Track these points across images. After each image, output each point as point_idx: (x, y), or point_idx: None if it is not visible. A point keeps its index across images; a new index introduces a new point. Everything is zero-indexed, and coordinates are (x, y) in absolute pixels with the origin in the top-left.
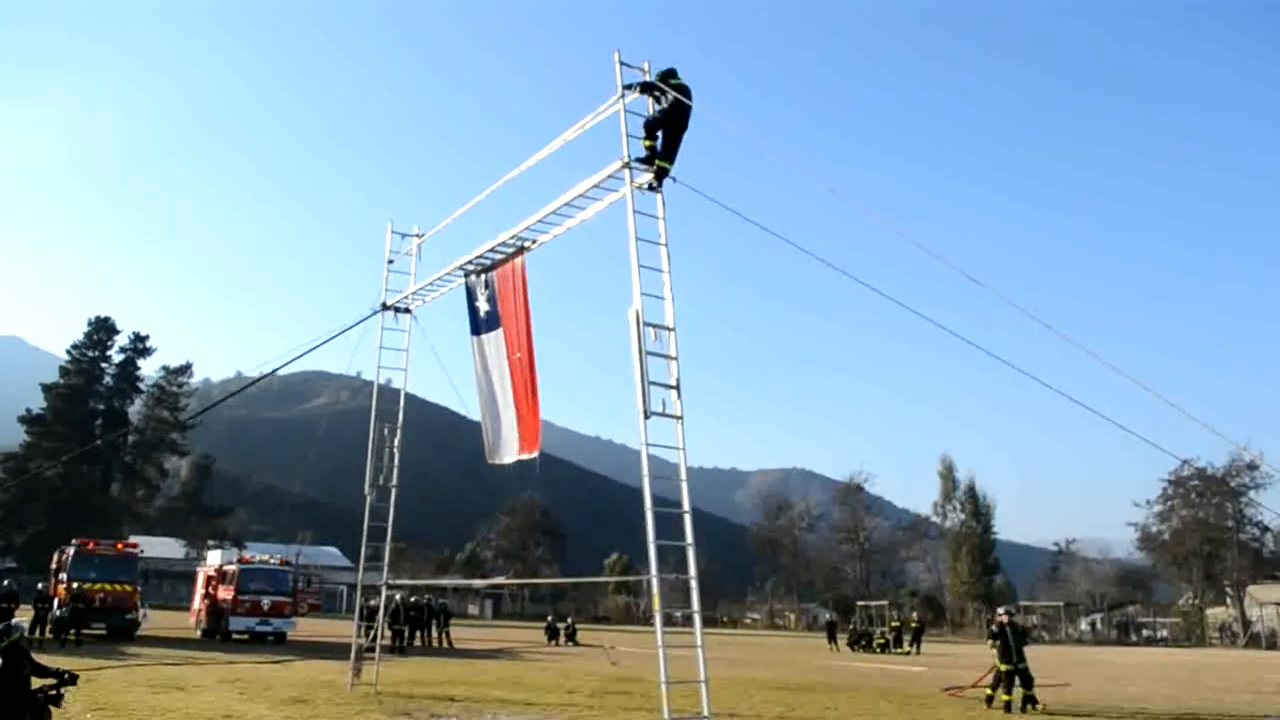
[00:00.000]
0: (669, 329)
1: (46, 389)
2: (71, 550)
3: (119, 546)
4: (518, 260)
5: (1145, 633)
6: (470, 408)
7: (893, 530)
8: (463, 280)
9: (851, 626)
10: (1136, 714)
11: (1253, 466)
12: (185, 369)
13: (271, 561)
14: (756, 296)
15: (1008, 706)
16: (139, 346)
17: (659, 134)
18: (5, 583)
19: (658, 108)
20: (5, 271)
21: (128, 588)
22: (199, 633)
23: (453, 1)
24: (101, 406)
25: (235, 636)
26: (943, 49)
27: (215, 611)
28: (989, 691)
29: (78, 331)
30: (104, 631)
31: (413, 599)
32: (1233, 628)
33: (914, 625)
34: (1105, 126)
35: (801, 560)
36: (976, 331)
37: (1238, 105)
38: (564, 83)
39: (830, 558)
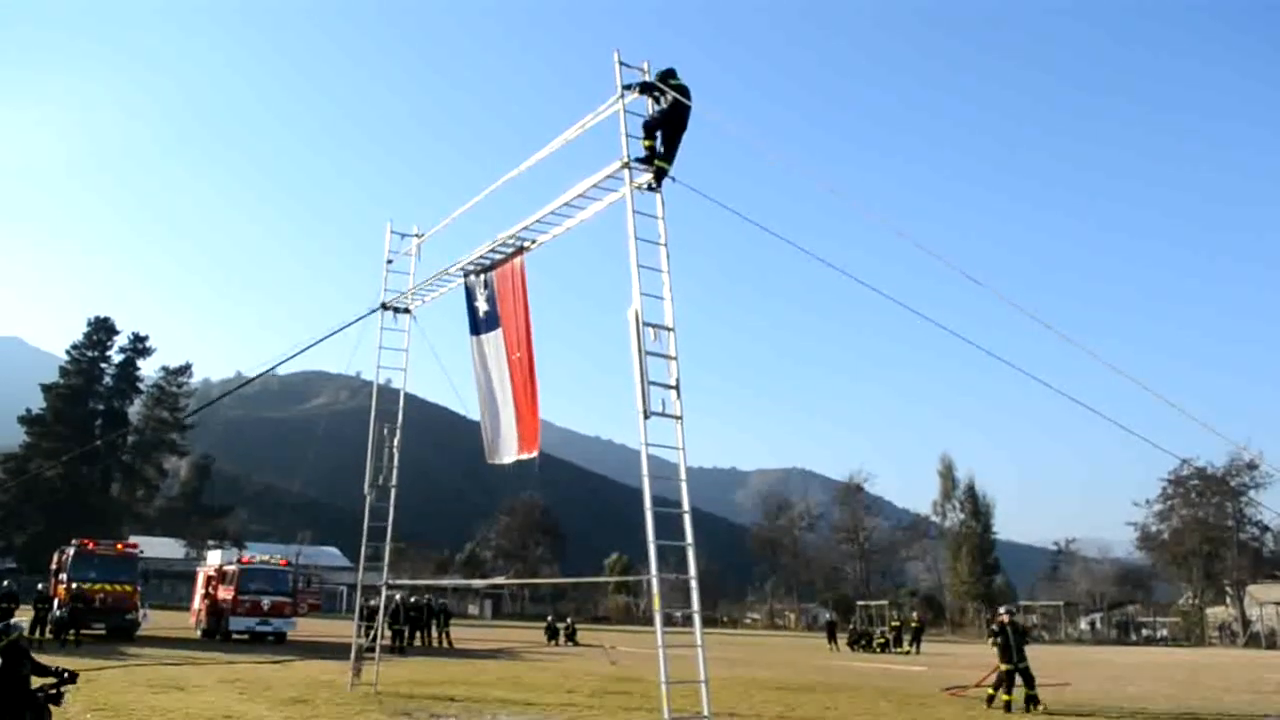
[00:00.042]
0: (668, 329)
1: (46, 389)
2: (71, 550)
3: (119, 547)
4: (517, 260)
5: (1145, 632)
6: (470, 408)
7: (892, 530)
8: (462, 280)
9: (851, 626)
10: (1136, 714)
11: (1252, 466)
12: (185, 369)
13: (271, 561)
14: (756, 296)
15: (1008, 706)
16: (139, 347)
17: (658, 134)
18: (5, 583)
19: (657, 108)
20: (5, 271)
21: (128, 588)
22: (199, 633)
23: (453, 1)
24: (101, 407)
25: (235, 636)
26: (943, 49)
27: (215, 611)
28: (990, 691)
29: (78, 332)
30: (104, 631)
31: (413, 599)
32: (1232, 627)
33: (914, 625)
34: (1105, 126)
35: (801, 560)
36: (976, 331)
37: (1238, 105)
38: (564, 83)
39: (830, 558)
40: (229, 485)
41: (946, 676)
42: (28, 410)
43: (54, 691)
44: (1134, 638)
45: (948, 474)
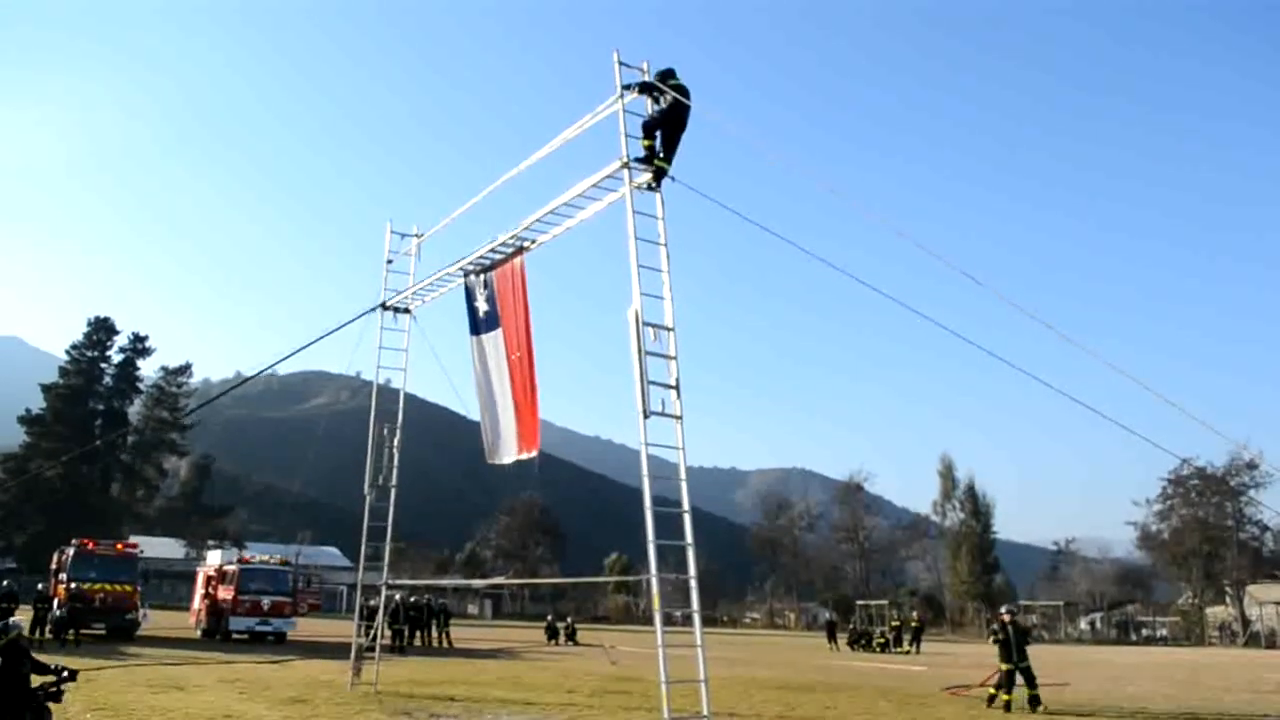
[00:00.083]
0: (668, 329)
1: (46, 389)
2: (71, 550)
3: (119, 546)
4: (517, 260)
5: (1145, 632)
6: (470, 408)
7: (892, 530)
8: (462, 280)
9: (851, 626)
10: (1136, 713)
11: (1252, 466)
12: (185, 369)
13: (271, 561)
14: (756, 296)
15: (1007, 706)
16: (138, 347)
17: (658, 134)
18: (5, 583)
19: (656, 108)
20: (5, 271)
21: (127, 588)
22: (199, 633)
23: (453, 1)
24: (101, 407)
25: (235, 636)
26: (943, 49)
27: (215, 611)
28: (992, 691)
29: (77, 331)
30: (104, 631)
31: (412, 599)
32: (1232, 627)
33: (914, 625)
34: (1105, 126)
35: (801, 560)
36: (977, 331)
37: (1238, 105)
38: (564, 83)
39: (830, 557)
40: (229, 485)
41: (946, 676)
42: (27, 410)
43: (54, 689)
44: (1134, 637)
45: (948, 474)
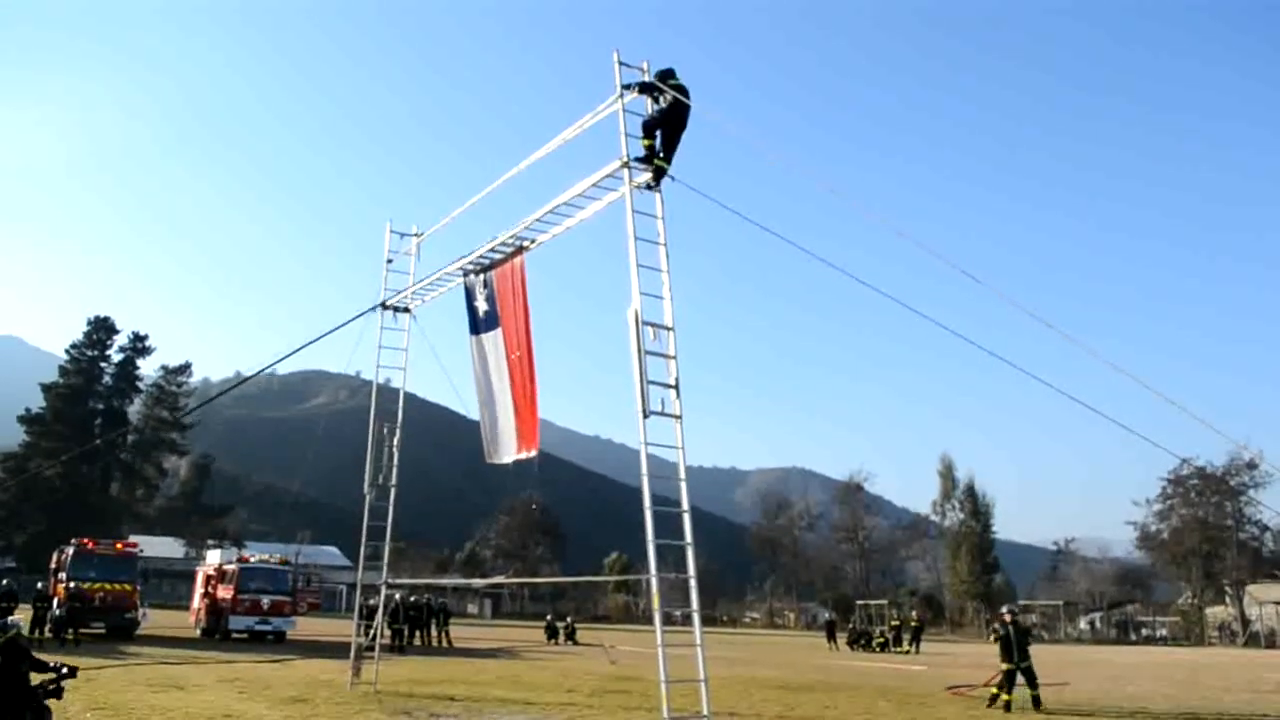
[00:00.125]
0: (668, 328)
1: (46, 389)
2: (71, 550)
3: (118, 546)
4: (517, 260)
5: (1144, 632)
6: (470, 407)
7: (892, 529)
8: (462, 280)
9: (851, 626)
10: (1135, 713)
11: (1252, 465)
12: (184, 369)
13: (271, 561)
14: (756, 296)
15: (1007, 706)
16: (138, 346)
17: (657, 133)
18: (5, 582)
19: (656, 108)
20: (5, 271)
21: (127, 587)
22: (198, 632)
23: (453, 1)
24: (101, 406)
25: (235, 636)
26: (943, 49)
27: (215, 611)
28: (994, 691)
29: (77, 331)
30: (103, 631)
31: (412, 598)
32: (1232, 627)
33: (913, 624)
34: (1105, 126)
35: (801, 559)
36: (977, 331)
37: (1238, 105)
38: (564, 83)
39: (830, 557)
40: (229, 485)
41: (946, 676)
42: (27, 410)
43: (54, 687)
44: (1133, 637)
45: (947, 474)
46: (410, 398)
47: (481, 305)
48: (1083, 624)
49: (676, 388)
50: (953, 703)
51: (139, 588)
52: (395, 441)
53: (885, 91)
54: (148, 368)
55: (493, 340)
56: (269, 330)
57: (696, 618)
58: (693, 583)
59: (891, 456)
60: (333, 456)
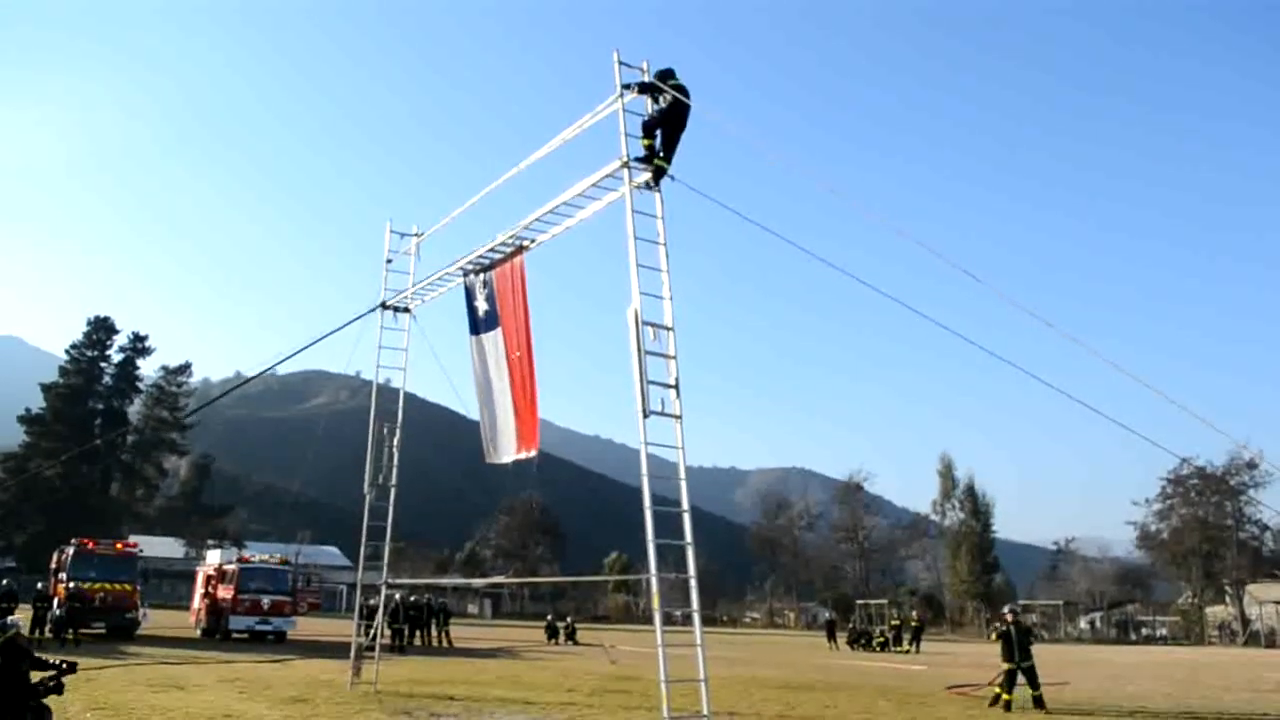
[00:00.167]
0: (668, 328)
1: (46, 389)
2: (71, 550)
3: (118, 546)
4: (516, 260)
5: (1144, 631)
6: (470, 407)
7: (892, 529)
8: (461, 280)
9: (851, 625)
10: (1135, 712)
11: (1252, 465)
12: (184, 369)
13: (271, 561)
14: (756, 296)
15: (1008, 706)
16: (138, 346)
17: (657, 133)
18: (5, 582)
19: (656, 107)
20: (5, 271)
21: (127, 587)
22: (199, 632)
23: (453, 1)
24: (101, 406)
25: (235, 636)
26: (943, 49)
27: (215, 611)
28: (997, 691)
29: (77, 331)
30: (104, 631)
31: (412, 598)
32: (1232, 626)
33: (913, 624)
34: (1105, 126)
35: (801, 559)
36: (977, 331)
37: (1238, 105)
38: (564, 83)
39: (830, 556)
40: (229, 485)
41: (946, 675)
42: (27, 410)
43: (53, 682)
44: (1133, 637)
45: (947, 473)
46: (410, 398)
47: (481, 305)
48: (1083, 623)
49: (676, 388)
50: (953, 702)
51: (139, 588)
52: (395, 441)
53: (885, 91)
54: (148, 368)
55: (493, 340)
56: (269, 330)
57: (697, 617)
58: (693, 582)
59: (891, 456)
60: (333, 456)
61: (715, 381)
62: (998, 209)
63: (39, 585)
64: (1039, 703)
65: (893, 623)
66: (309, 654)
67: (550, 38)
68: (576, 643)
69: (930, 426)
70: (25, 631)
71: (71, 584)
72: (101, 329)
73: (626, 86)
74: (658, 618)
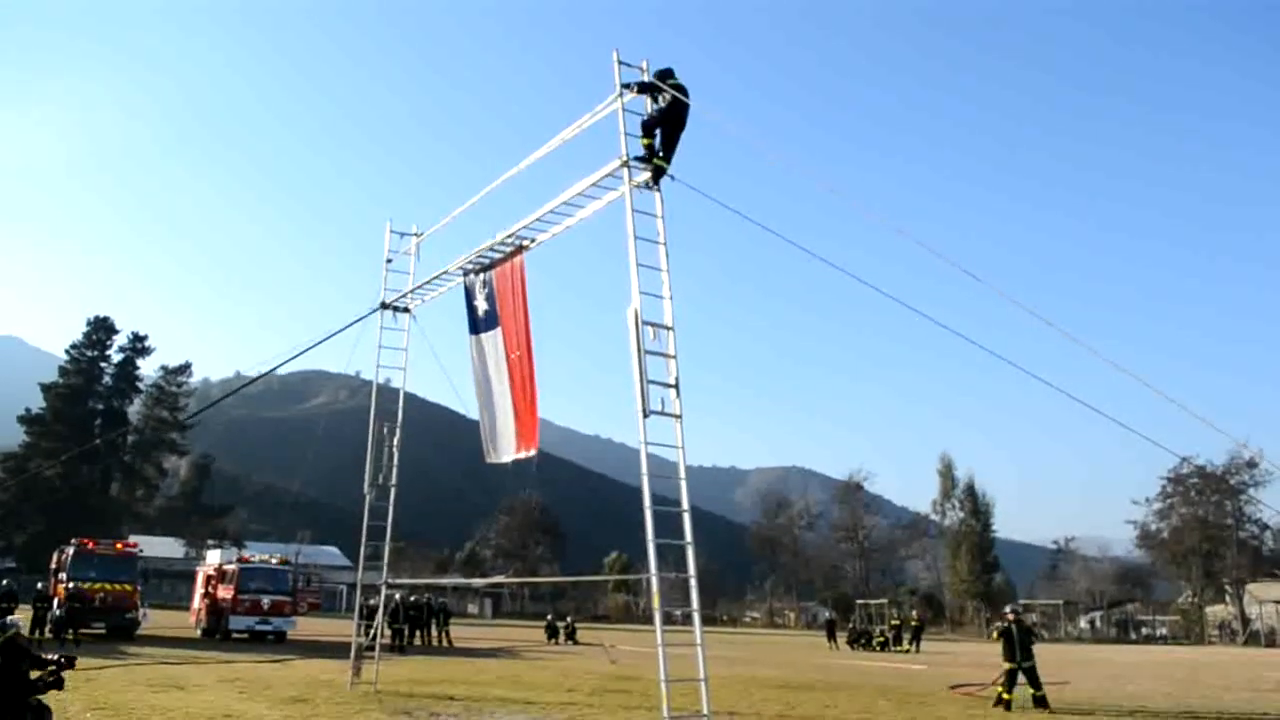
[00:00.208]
0: (668, 328)
1: (46, 389)
2: (71, 550)
3: (118, 546)
4: (516, 259)
5: (1144, 631)
6: (469, 407)
7: (892, 529)
8: (461, 280)
9: (851, 625)
10: (1135, 712)
11: (1252, 464)
12: (184, 369)
13: (271, 561)
14: (757, 296)
15: (1008, 705)
16: (138, 346)
17: (657, 133)
18: (5, 582)
19: (655, 107)
20: (5, 271)
21: (127, 587)
22: (199, 632)
23: (453, 1)
24: (101, 406)
25: (235, 636)
26: (943, 49)
27: (215, 611)
28: (999, 690)
29: (77, 331)
30: (104, 631)
31: (412, 598)
32: (1232, 625)
33: (913, 623)
34: (1105, 126)
35: (801, 559)
36: (977, 331)
37: (1238, 105)
38: (564, 83)
39: (829, 556)
40: (229, 485)
41: (946, 675)
42: (27, 410)
43: (53, 678)
44: (1133, 636)
45: (947, 473)
46: (410, 398)
47: (481, 305)
48: (1083, 623)
49: (676, 387)
50: (952, 702)
51: (139, 588)
52: (395, 441)
53: (885, 91)
54: (148, 368)
55: (492, 340)
56: (269, 330)
57: (697, 617)
58: (693, 582)
59: (891, 456)
60: (333, 456)
61: (715, 381)
62: (998, 209)
63: (39, 585)
64: (1041, 702)
65: (893, 622)
66: (309, 654)
67: (550, 38)
68: (576, 642)
69: (930, 426)
70: (25, 631)
71: (71, 584)
72: (101, 329)
73: (626, 86)
74: (658, 617)
